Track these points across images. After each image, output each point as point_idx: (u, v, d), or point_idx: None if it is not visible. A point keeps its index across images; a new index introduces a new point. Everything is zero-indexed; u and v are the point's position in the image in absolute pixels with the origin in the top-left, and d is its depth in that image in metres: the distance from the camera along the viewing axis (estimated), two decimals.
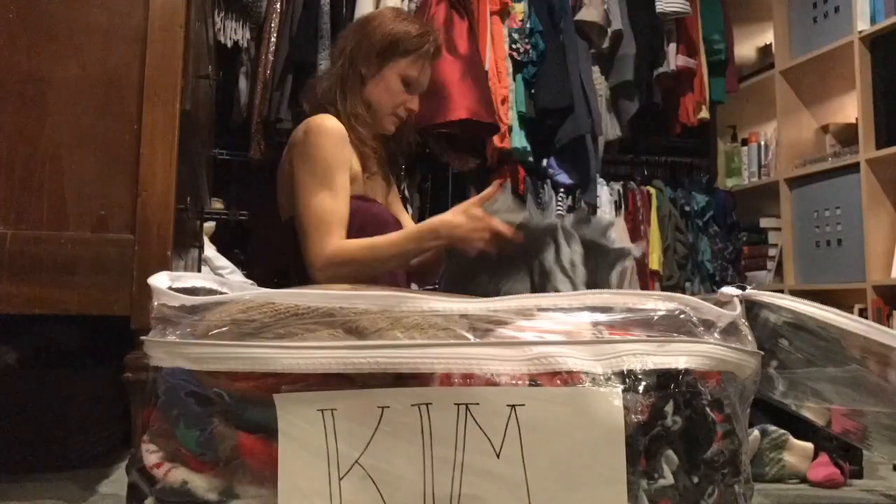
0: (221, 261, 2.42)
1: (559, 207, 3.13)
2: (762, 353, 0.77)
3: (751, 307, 0.90)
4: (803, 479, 1.38)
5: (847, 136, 3.25)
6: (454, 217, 1.43)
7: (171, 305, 0.74)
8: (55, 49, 1.24)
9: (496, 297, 0.77)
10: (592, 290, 0.77)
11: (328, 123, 1.58)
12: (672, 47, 3.28)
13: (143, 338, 0.73)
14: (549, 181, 3.16)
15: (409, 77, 1.67)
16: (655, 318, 0.74)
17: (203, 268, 2.21)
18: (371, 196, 1.65)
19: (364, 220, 1.56)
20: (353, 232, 1.52)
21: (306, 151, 1.56)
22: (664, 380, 0.69)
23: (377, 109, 1.67)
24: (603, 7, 3.13)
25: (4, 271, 1.18)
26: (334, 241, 1.48)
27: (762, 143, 3.65)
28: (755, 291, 0.89)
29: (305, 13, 2.85)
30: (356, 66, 1.66)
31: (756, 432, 1.37)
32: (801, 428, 1.41)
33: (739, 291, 0.86)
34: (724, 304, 0.83)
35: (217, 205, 2.99)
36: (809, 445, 1.39)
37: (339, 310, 0.72)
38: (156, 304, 0.75)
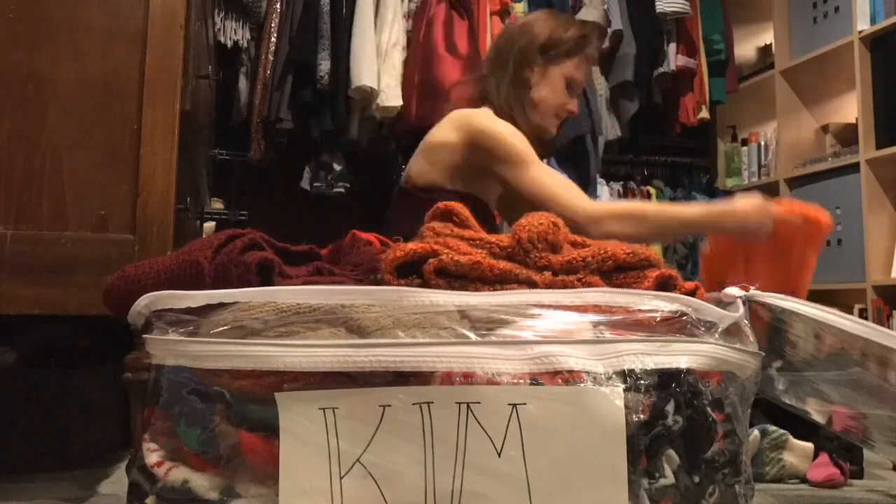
0: None
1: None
2: (763, 353, 0.77)
3: (753, 307, 0.90)
4: (803, 479, 1.38)
5: (847, 136, 3.25)
6: (744, 205, 1.46)
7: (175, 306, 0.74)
8: (55, 49, 1.24)
9: (496, 292, 0.77)
10: (594, 289, 0.77)
11: (500, 122, 1.62)
12: (672, 47, 3.29)
13: (144, 336, 0.73)
14: None
15: (573, 78, 1.70)
16: (657, 318, 0.74)
17: None
18: None
19: None
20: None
21: (498, 137, 1.58)
22: (665, 379, 0.69)
23: (542, 111, 1.69)
24: (603, 7, 3.14)
25: (4, 271, 1.18)
26: (591, 201, 1.52)
27: (762, 143, 3.65)
28: (758, 292, 0.89)
29: (305, 13, 2.86)
30: (521, 71, 1.69)
31: (756, 432, 1.37)
32: (801, 428, 1.41)
33: (743, 292, 0.86)
34: (727, 304, 0.83)
35: (217, 205, 2.99)
36: (809, 445, 1.39)
37: (341, 308, 0.72)
38: (154, 307, 0.75)
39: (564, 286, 0.79)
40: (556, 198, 1.51)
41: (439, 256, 0.78)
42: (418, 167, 1.71)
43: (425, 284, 0.77)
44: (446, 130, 1.69)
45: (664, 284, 0.82)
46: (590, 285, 0.80)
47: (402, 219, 1.54)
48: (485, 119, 1.63)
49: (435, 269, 0.77)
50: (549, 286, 0.79)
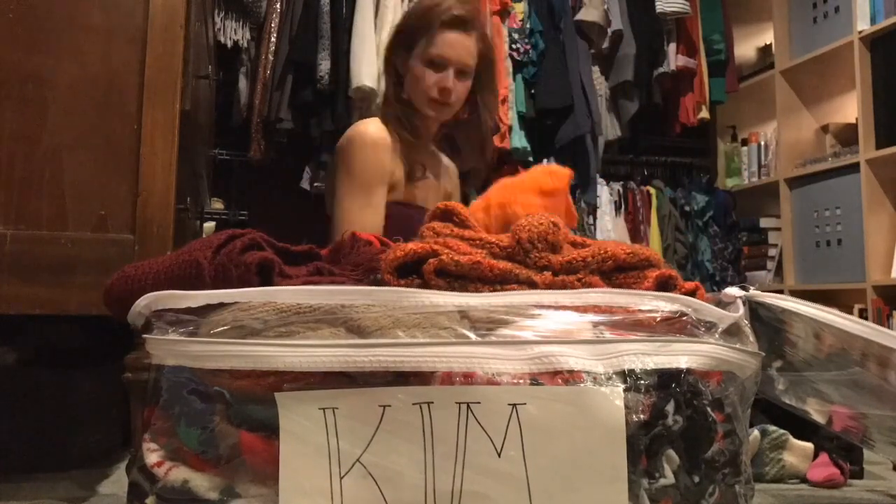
0: None
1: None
2: (763, 354, 0.77)
3: (753, 307, 0.90)
4: (803, 479, 1.38)
5: (847, 136, 3.25)
6: None
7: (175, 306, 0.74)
8: (55, 49, 1.24)
9: (496, 293, 0.77)
10: (593, 290, 0.77)
11: (370, 131, 1.59)
12: (672, 47, 3.29)
13: (144, 336, 0.73)
14: None
15: (431, 56, 1.61)
16: (657, 318, 0.74)
17: None
18: (417, 202, 1.64)
19: (398, 224, 1.53)
20: (387, 235, 1.54)
21: (346, 161, 1.58)
22: (665, 379, 0.69)
23: (416, 101, 1.64)
24: (603, 7, 3.14)
25: (4, 271, 1.18)
26: None
27: (762, 143, 3.65)
28: (758, 293, 0.89)
29: (305, 13, 2.86)
30: (392, 68, 1.68)
31: (756, 432, 1.37)
32: (801, 428, 1.41)
33: (743, 293, 0.86)
34: (727, 305, 0.83)
35: (217, 205, 2.99)
36: (809, 445, 1.39)
37: (341, 308, 0.72)
38: (154, 307, 0.75)
39: (564, 286, 0.79)
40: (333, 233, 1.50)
41: (439, 256, 0.78)
42: (326, 200, 1.70)
43: (425, 285, 0.77)
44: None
45: (664, 284, 0.82)
46: (590, 285, 0.80)
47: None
48: (355, 132, 1.61)
49: (435, 269, 0.77)
50: (549, 286, 0.79)
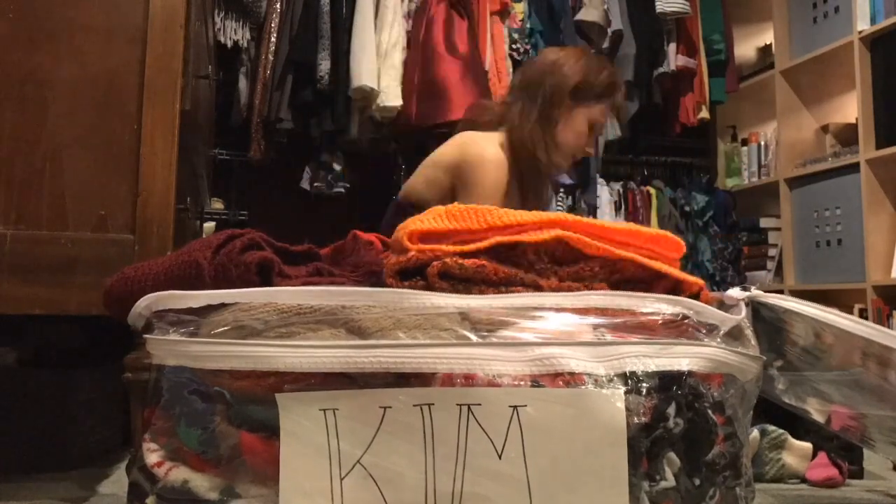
0: None
1: (559, 207, 3.13)
2: (764, 358, 0.76)
3: (754, 308, 0.90)
4: (802, 479, 1.38)
5: (847, 136, 3.25)
6: None
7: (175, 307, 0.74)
8: (55, 49, 1.23)
9: (498, 295, 0.76)
10: (595, 292, 0.77)
11: (490, 155, 1.67)
12: (672, 47, 3.29)
13: (145, 336, 0.73)
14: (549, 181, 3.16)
15: (597, 122, 1.74)
16: (659, 321, 0.74)
17: None
18: None
19: None
20: None
21: (470, 179, 1.65)
22: (666, 382, 0.69)
23: (563, 150, 1.73)
24: (603, 7, 3.13)
25: (4, 271, 1.18)
26: None
27: (762, 143, 3.65)
28: (759, 293, 0.89)
29: (305, 13, 2.85)
30: (550, 108, 1.71)
31: (755, 432, 1.37)
32: (801, 428, 1.41)
33: (745, 294, 0.86)
34: (729, 307, 0.83)
35: (217, 205, 2.99)
36: (808, 445, 1.39)
37: (342, 309, 0.72)
38: (155, 307, 0.75)
39: (570, 291, 0.79)
40: None
41: (443, 260, 0.78)
42: (413, 182, 1.75)
43: (429, 287, 0.77)
44: (448, 148, 1.73)
45: (671, 290, 0.82)
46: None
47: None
48: (480, 146, 1.68)
49: (439, 271, 0.77)
50: (554, 290, 0.79)
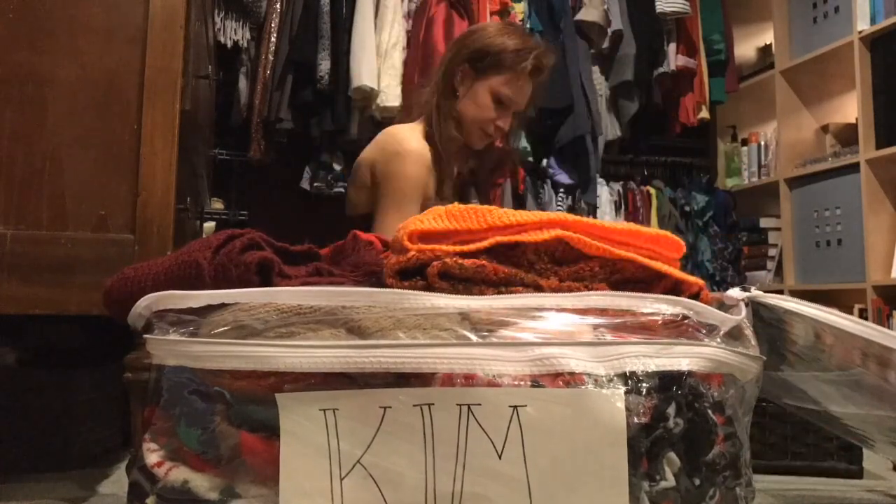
0: None
1: (559, 207, 3.13)
2: (764, 358, 0.76)
3: (754, 308, 0.90)
4: None
5: (847, 136, 3.25)
6: None
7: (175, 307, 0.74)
8: (55, 49, 1.23)
9: (498, 296, 0.76)
10: (595, 293, 0.77)
11: (413, 146, 1.58)
12: (672, 47, 3.29)
13: (145, 336, 0.73)
14: (549, 181, 3.16)
15: (501, 94, 1.61)
16: (659, 321, 0.74)
17: None
18: None
19: None
20: None
21: (389, 171, 1.57)
22: (666, 382, 0.69)
23: (465, 124, 1.63)
24: (603, 7, 3.14)
25: (4, 271, 1.18)
26: None
27: (762, 143, 3.65)
28: (759, 293, 0.89)
29: (305, 13, 2.85)
30: (449, 79, 1.63)
31: None
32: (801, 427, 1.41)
33: (745, 294, 0.86)
34: (729, 307, 0.83)
35: (217, 205, 2.99)
36: None
37: (342, 309, 0.72)
38: (155, 307, 0.75)
39: (570, 291, 0.79)
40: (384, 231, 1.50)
41: (443, 259, 0.77)
42: (350, 194, 1.69)
43: (429, 288, 0.77)
44: (369, 146, 1.66)
45: (670, 290, 0.82)
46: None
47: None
48: (398, 138, 1.60)
49: (439, 272, 0.77)
50: (554, 291, 0.79)
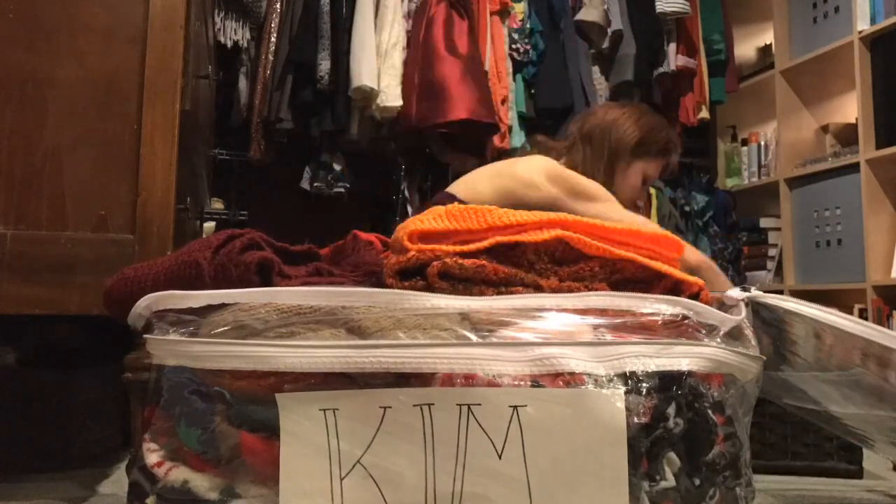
0: None
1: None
2: (764, 357, 0.76)
3: (754, 308, 0.90)
4: None
5: (847, 136, 3.25)
6: None
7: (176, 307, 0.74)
8: (55, 49, 1.23)
9: (499, 297, 0.76)
10: (595, 293, 0.77)
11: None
12: (672, 47, 3.28)
13: (145, 336, 0.73)
14: None
15: (651, 176, 1.86)
16: (659, 321, 0.74)
17: None
18: None
19: None
20: None
21: (571, 185, 1.71)
22: (666, 382, 0.69)
23: (619, 198, 1.80)
24: (603, 7, 3.13)
25: (4, 271, 1.18)
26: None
27: (762, 143, 3.65)
28: (759, 293, 0.89)
29: (305, 13, 2.85)
30: (614, 160, 1.82)
31: None
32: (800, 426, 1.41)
33: (745, 294, 0.86)
34: (729, 307, 0.83)
35: (217, 205, 2.99)
36: None
37: (342, 309, 0.72)
38: (155, 308, 0.75)
39: (570, 292, 0.79)
40: None
41: (443, 260, 0.77)
42: (479, 189, 1.78)
43: (429, 287, 0.77)
44: (539, 177, 1.76)
45: (671, 290, 0.82)
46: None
47: None
48: (553, 164, 1.77)
49: (439, 272, 0.77)
50: (554, 291, 0.79)
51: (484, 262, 0.78)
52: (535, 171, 1.75)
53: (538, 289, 0.79)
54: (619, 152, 1.83)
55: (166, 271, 0.83)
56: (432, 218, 0.82)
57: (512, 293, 0.78)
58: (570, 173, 1.74)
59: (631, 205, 1.83)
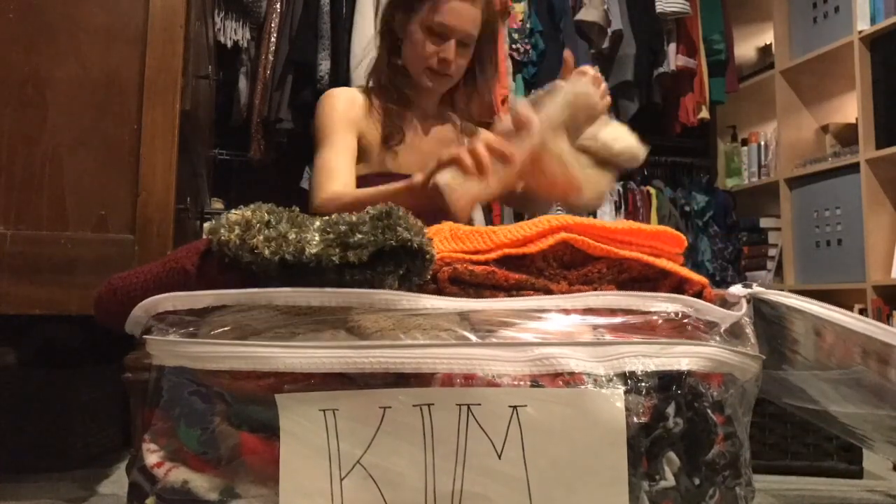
0: None
1: (559, 210, 3.13)
2: (764, 357, 0.76)
3: (756, 305, 0.90)
4: None
5: (847, 136, 3.25)
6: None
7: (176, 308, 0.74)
8: (55, 49, 1.24)
9: (498, 299, 0.76)
10: (595, 293, 0.77)
11: (333, 90, 1.60)
12: (672, 47, 3.29)
13: (145, 337, 0.73)
14: None
15: (433, 24, 1.51)
16: (658, 320, 0.74)
17: None
18: (399, 170, 1.54)
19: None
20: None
21: (315, 121, 1.56)
22: (666, 381, 0.69)
23: (412, 70, 1.57)
24: (603, 7, 3.14)
25: (4, 271, 1.18)
26: (327, 188, 1.43)
27: (762, 143, 3.65)
28: (761, 290, 0.89)
29: (305, 13, 2.85)
30: (389, 30, 1.60)
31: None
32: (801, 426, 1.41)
33: (747, 291, 0.86)
34: (731, 305, 0.83)
35: (217, 205, 2.99)
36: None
37: (342, 309, 0.72)
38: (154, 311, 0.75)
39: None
40: (312, 182, 1.48)
41: (453, 265, 0.77)
42: None
43: (439, 292, 0.77)
44: None
45: (676, 287, 0.82)
46: None
47: None
48: (322, 100, 1.58)
49: (449, 277, 0.77)
50: (565, 295, 0.79)
51: (494, 268, 0.78)
52: None
53: (548, 293, 0.79)
54: (388, 22, 1.59)
55: (155, 278, 0.82)
56: (438, 241, 0.82)
57: (514, 297, 0.77)
58: (317, 112, 1.56)
59: (432, 65, 1.53)
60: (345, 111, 1.54)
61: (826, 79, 3.37)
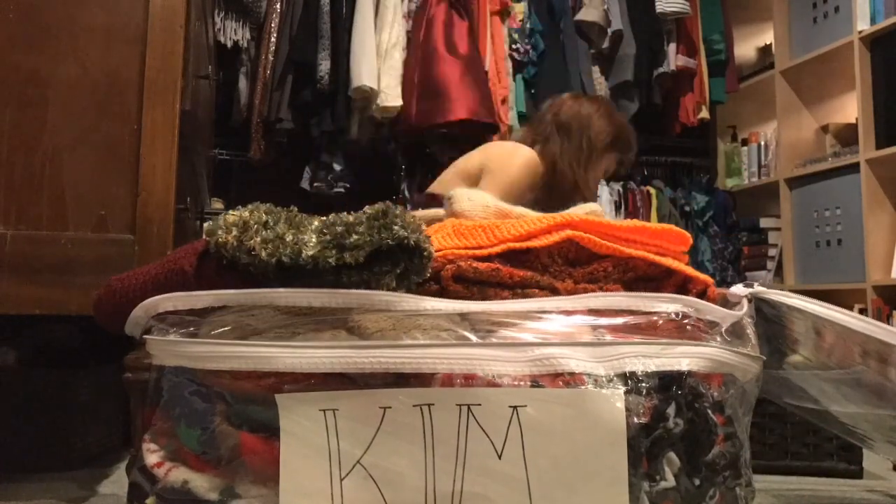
0: None
1: None
2: (764, 358, 0.76)
3: (756, 305, 0.90)
4: None
5: (847, 136, 3.25)
6: None
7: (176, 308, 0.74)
8: (55, 49, 1.23)
9: (498, 301, 0.76)
10: (595, 294, 0.77)
11: (524, 149, 1.96)
12: (672, 47, 3.29)
13: (145, 336, 0.73)
14: None
15: (610, 170, 2.05)
16: (659, 320, 0.74)
17: None
18: None
19: None
20: None
21: (499, 164, 1.91)
22: (666, 382, 0.69)
23: (589, 187, 2.00)
24: (603, 7, 3.14)
25: (4, 271, 1.18)
26: None
27: (762, 143, 3.65)
28: (762, 289, 0.89)
29: (305, 13, 2.85)
30: (591, 155, 1.98)
31: None
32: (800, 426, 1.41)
33: (748, 290, 0.86)
34: (733, 304, 0.83)
35: (217, 205, 2.99)
36: None
37: (342, 310, 0.72)
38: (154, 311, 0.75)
39: (586, 293, 0.78)
40: None
41: (456, 263, 0.77)
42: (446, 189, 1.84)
43: (442, 290, 0.76)
44: (475, 152, 2.01)
45: (681, 285, 0.82)
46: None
47: None
48: (511, 144, 2.03)
49: (453, 275, 0.77)
50: (570, 293, 0.78)
51: (498, 265, 0.78)
52: (467, 160, 1.96)
53: (554, 291, 0.78)
54: (596, 147, 1.99)
55: (153, 280, 0.82)
56: (441, 237, 0.82)
57: (527, 296, 0.77)
58: (500, 154, 1.94)
59: (593, 195, 2.00)
60: (528, 179, 1.97)
61: (826, 79, 3.37)
